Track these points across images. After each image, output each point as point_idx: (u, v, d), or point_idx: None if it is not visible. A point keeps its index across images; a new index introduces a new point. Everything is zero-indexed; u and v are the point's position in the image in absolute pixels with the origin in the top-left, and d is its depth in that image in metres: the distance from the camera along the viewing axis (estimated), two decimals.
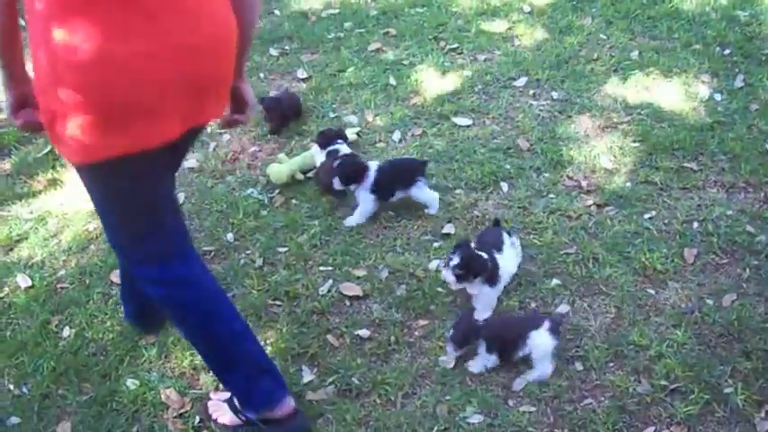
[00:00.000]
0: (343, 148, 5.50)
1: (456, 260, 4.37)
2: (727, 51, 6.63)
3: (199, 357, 4.39)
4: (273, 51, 7.33)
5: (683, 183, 5.37)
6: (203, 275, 3.69)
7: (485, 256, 4.46)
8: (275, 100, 6.17)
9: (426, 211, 5.29)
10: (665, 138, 5.72)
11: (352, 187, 5.23)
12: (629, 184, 5.40)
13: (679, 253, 4.86)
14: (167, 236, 3.58)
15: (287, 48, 7.37)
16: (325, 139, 5.57)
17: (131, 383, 4.37)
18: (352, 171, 5.18)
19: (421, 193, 5.24)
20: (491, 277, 4.49)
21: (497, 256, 4.55)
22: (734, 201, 5.21)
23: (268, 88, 6.79)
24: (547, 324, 4.19)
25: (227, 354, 3.78)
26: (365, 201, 5.23)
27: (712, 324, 4.41)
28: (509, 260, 4.64)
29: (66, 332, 4.74)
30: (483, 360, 4.24)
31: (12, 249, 5.41)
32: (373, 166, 5.24)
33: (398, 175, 5.24)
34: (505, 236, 4.70)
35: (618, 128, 5.89)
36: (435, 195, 5.30)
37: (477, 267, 4.40)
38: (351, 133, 5.93)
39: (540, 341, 4.17)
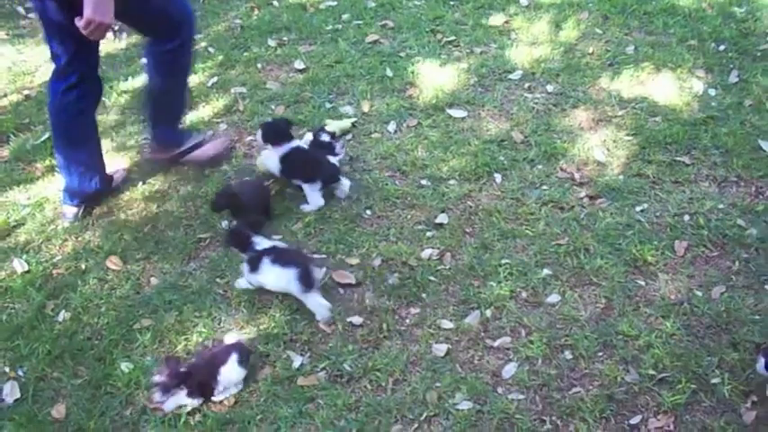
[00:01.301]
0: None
1: None
2: (722, 47, 6.66)
3: (192, 341, 4.47)
4: (271, 42, 7.36)
5: (676, 176, 5.41)
6: None
7: None
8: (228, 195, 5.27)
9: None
10: (659, 132, 5.76)
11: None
12: (621, 176, 5.44)
13: (670, 245, 4.91)
14: None
15: (285, 39, 7.41)
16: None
17: (126, 367, 4.43)
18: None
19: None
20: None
21: None
22: (725, 194, 5.25)
23: (266, 78, 6.83)
24: (235, 356, 4.25)
25: None
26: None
27: (701, 315, 4.47)
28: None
29: (62, 316, 4.79)
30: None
31: (9, 235, 5.45)
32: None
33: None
34: None
35: (612, 121, 5.94)
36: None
37: None
38: (346, 123, 5.97)
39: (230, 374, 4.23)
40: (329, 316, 4.62)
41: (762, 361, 3.87)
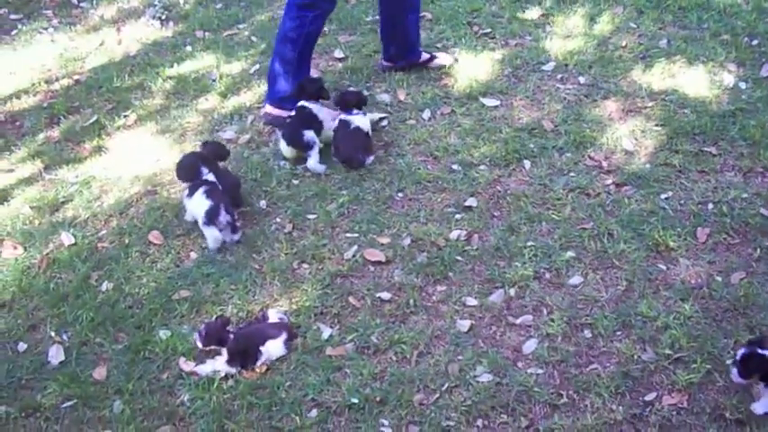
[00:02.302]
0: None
1: None
2: (755, 42, 6.72)
3: (228, 312, 4.70)
4: None
5: (702, 166, 5.52)
6: None
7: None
8: None
9: None
10: (687, 123, 5.87)
11: None
12: (648, 165, 5.56)
13: (692, 232, 5.04)
14: None
15: (325, 29, 7.54)
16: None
17: (164, 334, 4.67)
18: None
19: None
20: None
21: None
22: (750, 184, 5.35)
23: None
24: (284, 335, 4.48)
25: None
26: None
27: (719, 299, 4.60)
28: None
29: (105, 286, 5.05)
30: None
31: (57, 210, 5.73)
32: None
33: None
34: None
35: (641, 112, 6.05)
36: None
37: None
38: (375, 116, 6.20)
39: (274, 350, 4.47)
40: (215, 247, 5.17)
41: (734, 371, 3.98)
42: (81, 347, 4.70)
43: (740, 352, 3.94)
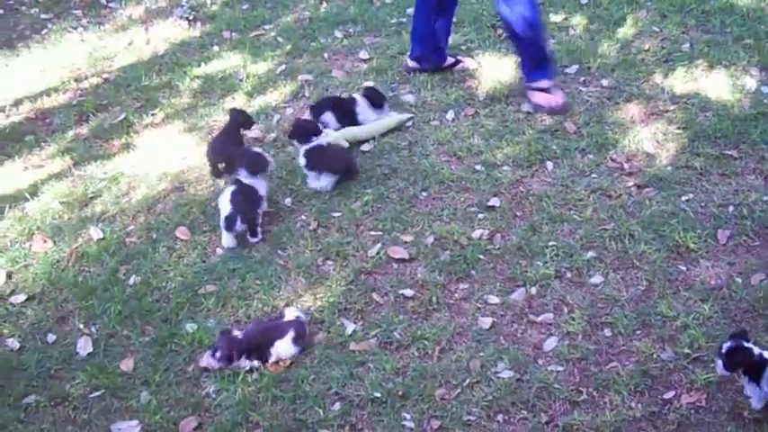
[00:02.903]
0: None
1: None
2: None
3: (253, 307, 4.78)
4: (338, 33, 7.65)
5: (723, 169, 5.57)
6: None
7: None
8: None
9: None
10: (709, 126, 5.91)
11: None
12: (669, 167, 5.61)
13: (712, 234, 5.08)
14: None
15: (351, 30, 7.69)
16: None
17: (190, 328, 4.76)
18: None
19: None
20: None
21: None
22: None
23: (331, 67, 7.13)
24: (291, 335, 4.52)
25: None
26: None
27: (739, 300, 4.64)
28: None
29: (133, 280, 5.14)
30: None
31: (86, 205, 5.83)
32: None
33: None
34: None
35: (663, 115, 6.10)
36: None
37: None
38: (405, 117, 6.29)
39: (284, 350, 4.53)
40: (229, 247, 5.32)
41: (719, 363, 4.01)
42: (109, 339, 4.79)
43: (725, 345, 3.97)
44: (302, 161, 5.67)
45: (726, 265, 4.87)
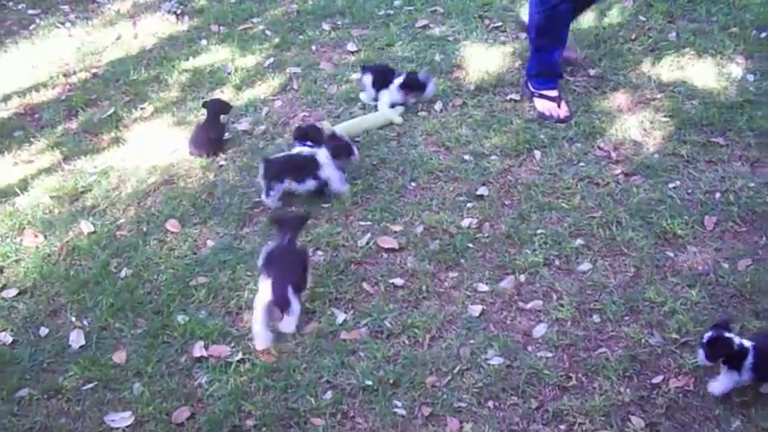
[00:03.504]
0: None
1: None
2: (763, 34, 6.78)
3: (244, 297, 4.80)
4: (326, 26, 7.66)
5: (709, 156, 5.61)
6: None
7: None
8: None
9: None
10: (695, 114, 5.95)
11: None
12: (656, 155, 5.65)
13: (699, 220, 5.12)
14: None
15: (339, 23, 7.70)
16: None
17: (182, 319, 4.78)
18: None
19: None
20: None
21: None
22: (757, 174, 5.43)
23: (319, 59, 7.15)
24: None
25: None
26: None
27: (726, 286, 4.68)
28: None
29: (124, 273, 5.16)
30: None
31: (77, 199, 5.85)
32: None
33: None
34: None
35: (650, 104, 6.14)
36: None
37: None
38: (396, 114, 6.29)
39: None
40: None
41: (701, 353, 4.06)
42: (101, 332, 4.81)
43: (707, 335, 4.02)
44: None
45: (713, 251, 4.91)
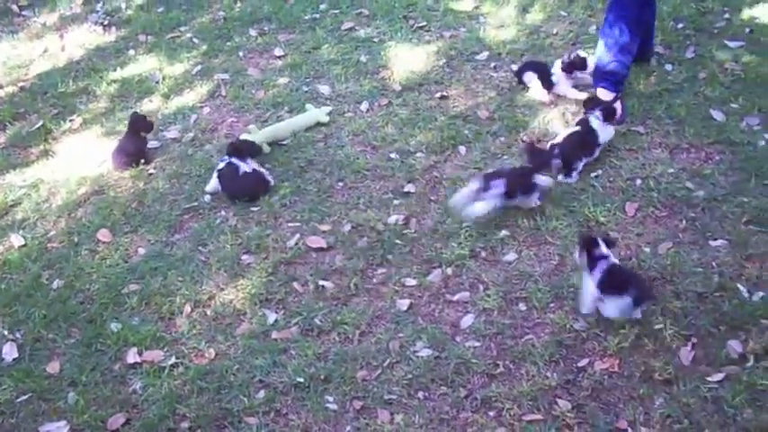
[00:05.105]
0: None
1: None
2: (680, 25, 6.94)
3: (176, 303, 4.84)
4: (253, 32, 7.72)
5: (630, 144, 5.73)
6: None
7: None
8: None
9: None
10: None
11: None
12: None
13: (621, 207, 5.25)
14: None
15: (265, 28, 7.76)
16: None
17: (115, 327, 4.83)
18: None
19: None
20: None
21: None
22: (676, 160, 5.57)
23: (247, 65, 7.21)
24: None
25: None
26: None
27: (648, 269, 4.81)
28: None
29: (56, 284, 5.19)
30: None
31: (6, 213, 5.87)
32: None
33: None
34: None
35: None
36: None
37: None
38: (323, 114, 6.36)
39: None
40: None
41: (576, 252, 4.42)
42: (34, 344, 4.84)
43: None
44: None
45: (635, 236, 5.04)
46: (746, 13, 6.97)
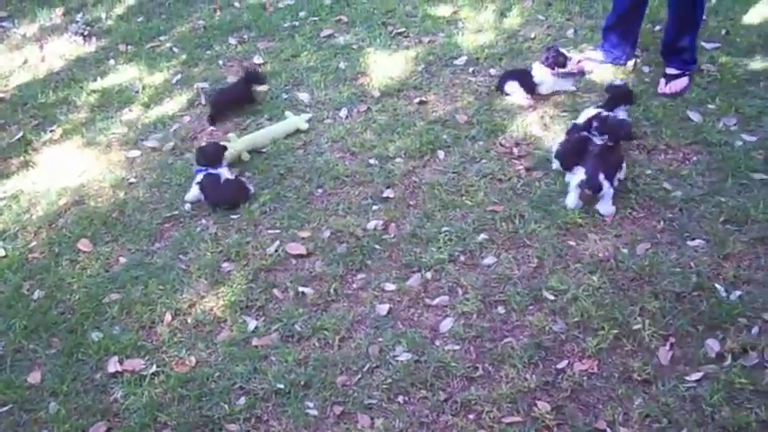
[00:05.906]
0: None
1: None
2: (657, 28, 6.96)
3: (157, 312, 4.86)
4: (232, 40, 7.74)
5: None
6: None
7: None
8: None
9: None
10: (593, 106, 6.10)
11: None
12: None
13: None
14: None
15: (245, 36, 7.78)
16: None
17: (96, 336, 4.85)
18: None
19: None
20: None
21: None
22: (654, 161, 5.59)
23: (227, 74, 7.22)
24: None
25: None
26: None
27: (626, 270, 4.84)
28: None
29: (37, 295, 5.20)
30: None
31: None
32: None
33: None
34: None
35: (549, 99, 6.29)
36: None
37: None
38: (302, 121, 6.39)
39: None
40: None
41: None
42: (15, 354, 4.85)
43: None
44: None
45: (613, 238, 5.06)
46: (722, 15, 7.00)
